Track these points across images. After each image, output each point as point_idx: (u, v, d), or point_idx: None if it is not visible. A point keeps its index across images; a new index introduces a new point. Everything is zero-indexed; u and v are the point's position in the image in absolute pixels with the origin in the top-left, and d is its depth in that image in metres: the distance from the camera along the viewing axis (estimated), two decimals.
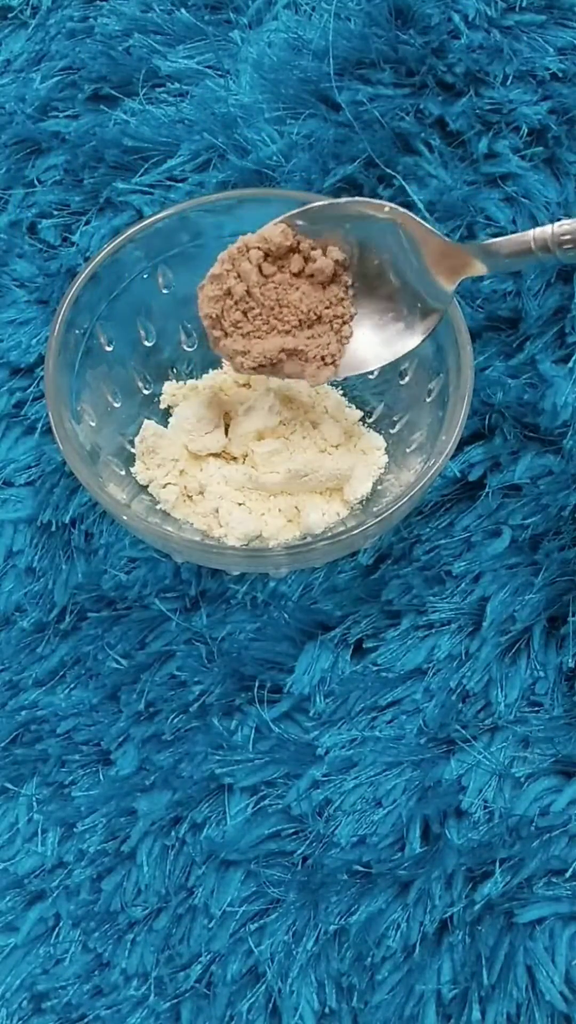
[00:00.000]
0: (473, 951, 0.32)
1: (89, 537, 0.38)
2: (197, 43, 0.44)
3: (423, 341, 0.33)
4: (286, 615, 0.36)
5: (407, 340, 0.34)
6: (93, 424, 0.35)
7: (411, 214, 0.32)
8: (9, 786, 0.35)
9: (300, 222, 0.33)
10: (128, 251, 0.36)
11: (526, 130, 0.41)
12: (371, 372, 0.37)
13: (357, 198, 0.35)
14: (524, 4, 0.42)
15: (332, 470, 0.35)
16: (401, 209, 0.33)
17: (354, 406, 0.38)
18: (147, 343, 0.38)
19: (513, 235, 0.30)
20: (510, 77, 0.42)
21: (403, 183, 0.41)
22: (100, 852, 0.34)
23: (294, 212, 0.33)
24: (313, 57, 0.43)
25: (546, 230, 0.29)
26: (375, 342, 0.34)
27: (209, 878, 0.33)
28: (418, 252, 0.32)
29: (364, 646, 0.36)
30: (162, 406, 0.38)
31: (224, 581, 0.37)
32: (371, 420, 0.38)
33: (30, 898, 0.34)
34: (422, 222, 0.32)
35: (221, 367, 0.39)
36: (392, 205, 0.33)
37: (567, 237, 0.29)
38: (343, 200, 0.34)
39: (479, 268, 0.31)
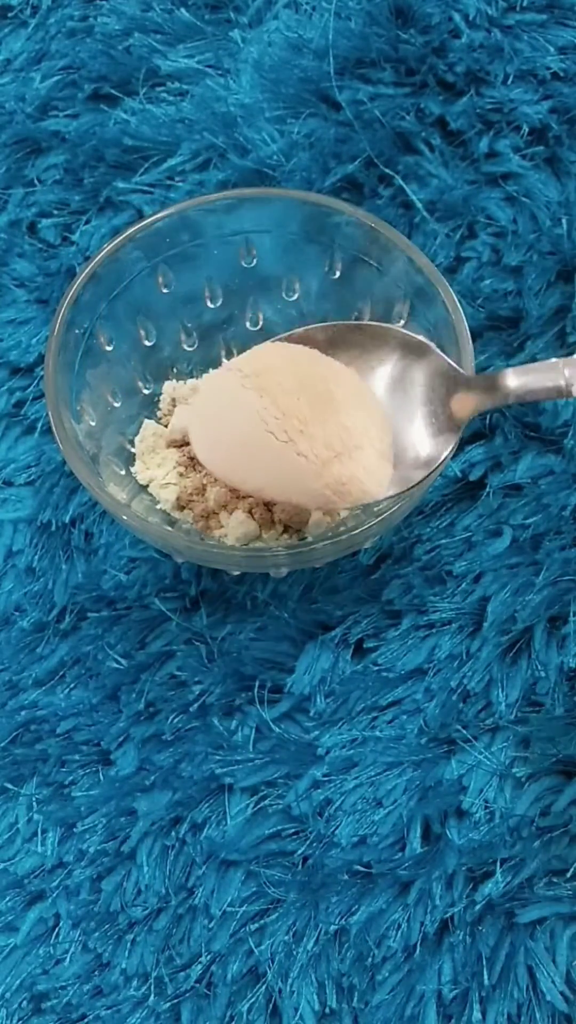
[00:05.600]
0: (474, 951, 0.32)
1: (89, 537, 0.38)
2: (197, 42, 0.44)
3: (437, 470, 0.31)
4: (286, 615, 0.36)
5: (423, 468, 0.31)
6: (93, 424, 0.35)
7: (438, 351, 0.31)
8: (9, 786, 0.35)
9: (320, 336, 0.32)
10: (128, 251, 0.36)
11: (527, 129, 0.41)
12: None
13: (387, 325, 0.33)
14: (525, 3, 0.42)
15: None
16: (430, 344, 0.31)
17: None
18: (147, 343, 0.38)
19: (539, 371, 0.29)
20: (511, 76, 0.42)
21: (403, 183, 0.41)
22: (100, 852, 0.34)
23: (316, 327, 0.32)
24: (313, 56, 0.43)
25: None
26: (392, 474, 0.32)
27: (209, 878, 0.33)
28: (441, 383, 0.31)
29: (364, 646, 0.36)
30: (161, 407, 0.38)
31: (224, 581, 0.37)
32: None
33: (30, 898, 0.34)
34: (449, 361, 0.31)
35: (221, 366, 0.39)
36: (422, 340, 0.31)
37: None
38: (376, 324, 0.32)
39: (494, 402, 0.30)
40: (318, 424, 0.29)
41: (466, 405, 0.31)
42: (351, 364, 0.32)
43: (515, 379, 0.30)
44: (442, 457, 0.31)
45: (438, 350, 0.32)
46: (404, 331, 0.33)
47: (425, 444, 0.31)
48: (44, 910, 0.34)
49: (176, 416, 0.37)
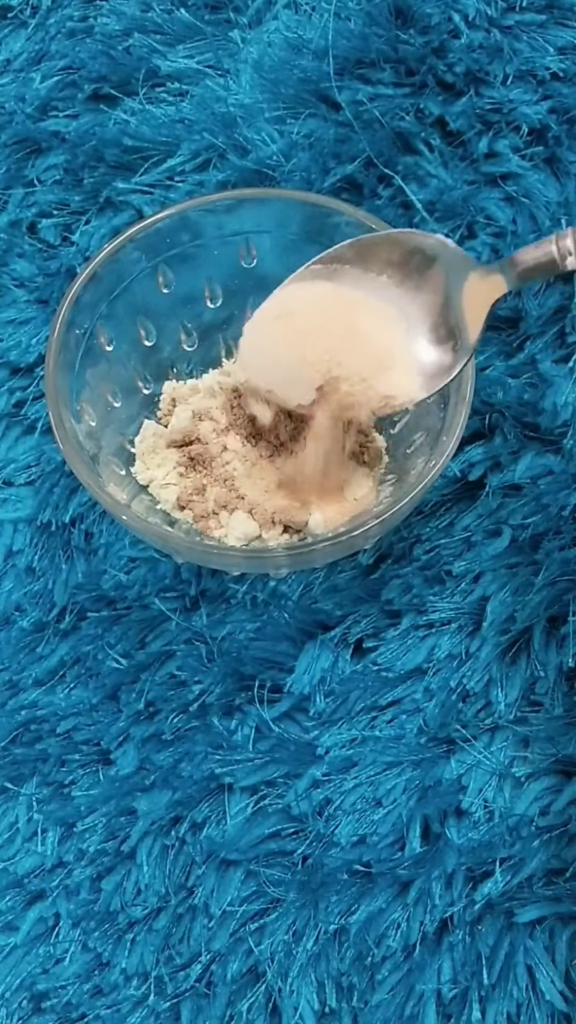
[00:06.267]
0: (473, 951, 0.32)
1: (89, 537, 0.38)
2: (197, 43, 0.44)
3: (456, 376, 0.33)
4: (286, 615, 0.36)
5: (444, 376, 0.33)
6: (93, 424, 0.35)
7: (452, 243, 0.32)
8: (9, 786, 0.35)
9: (349, 253, 0.33)
10: (128, 251, 0.36)
11: (526, 130, 0.41)
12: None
13: (405, 230, 0.35)
14: (524, 4, 0.42)
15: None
16: (444, 239, 0.33)
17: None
18: (147, 343, 0.38)
19: (537, 247, 0.30)
20: (510, 77, 0.42)
21: (403, 183, 0.41)
22: (100, 852, 0.34)
23: (343, 244, 0.34)
24: (313, 57, 0.43)
25: (566, 241, 0.29)
26: (418, 378, 0.33)
27: (209, 878, 0.33)
28: (458, 281, 0.32)
29: (364, 646, 0.36)
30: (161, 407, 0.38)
31: (224, 581, 0.37)
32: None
33: (30, 898, 0.34)
34: (462, 251, 0.32)
35: (221, 366, 0.39)
36: (438, 236, 0.33)
37: None
38: (392, 232, 0.34)
39: (506, 285, 0.31)
40: (347, 356, 0.33)
41: (479, 295, 0.32)
42: (382, 274, 0.34)
43: (516, 260, 0.30)
44: (471, 348, 0.32)
45: (452, 243, 0.33)
46: (421, 233, 0.33)
47: (446, 347, 0.33)
48: (44, 910, 0.34)
49: (176, 416, 0.37)
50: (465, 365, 0.32)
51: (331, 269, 0.34)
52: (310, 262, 0.34)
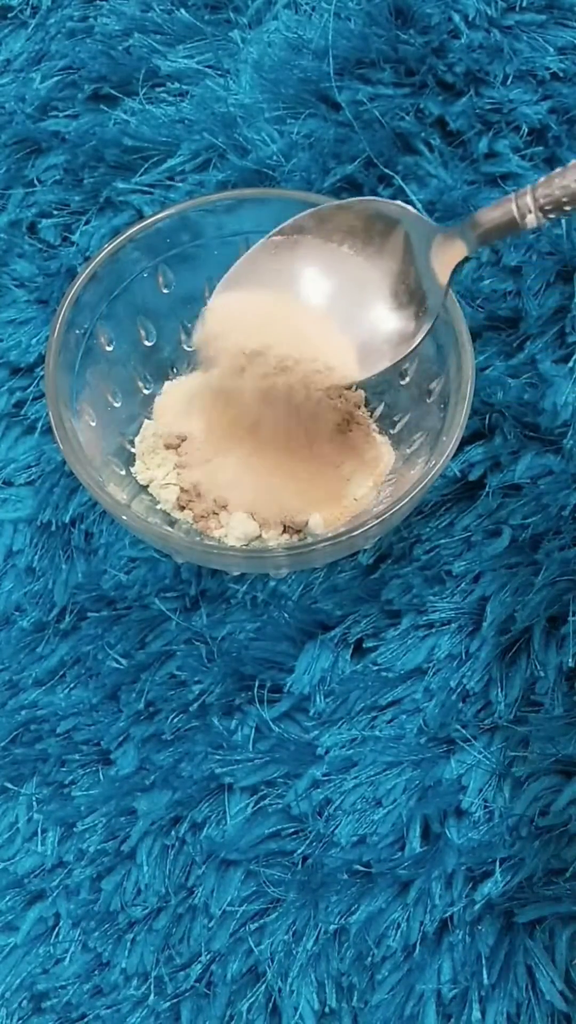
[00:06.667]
0: (473, 951, 0.32)
1: (89, 537, 0.38)
2: (197, 43, 0.44)
3: (421, 343, 0.33)
4: (286, 615, 0.36)
5: (408, 343, 0.33)
6: (93, 424, 0.35)
7: (411, 208, 0.32)
8: (9, 786, 0.35)
9: (310, 223, 0.33)
10: (128, 251, 0.36)
11: (526, 130, 0.41)
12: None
13: (366, 197, 0.35)
14: (524, 4, 0.42)
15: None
16: (404, 205, 0.33)
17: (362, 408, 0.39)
18: (147, 343, 0.38)
19: (496, 207, 0.29)
20: (510, 77, 0.42)
21: (403, 183, 0.41)
22: (100, 852, 0.34)
23: (304, 214, 0.33)
24: (313, 57, 0.43)
25: (525, 199, 0.28)
26: (382, 345, 0.34)
27: (209, 878, 0.33)
28: (423, 246, 0.32)
29: (364, 646, 0.36)
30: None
31: (224, 581, 0.37)
32: (372, 420, 0.38)
33: (30, 898, 0.34)
34: (423, 216, 0.32)
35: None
36: (398, 203, 0.33)
37: (548, 203, 0.28)
38: (353, 200, 0.34)
39: (467, 249, 0.31)
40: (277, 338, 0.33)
41: (442, 259, 0.31)
42: (343, 243, 0.33)
43: (477, 221, 0.30)
44: (436, 311, 0.32)
45: (413, 209, 0.32)
46: (381, 200, 0.33)
47: (409, 313, 0.33)
48: (44, 910, 0.34)
49: (163, 419, 0.38)
50: (430, 331, 0.32)
51: (292, 240, 0.34)
52: (271, 233, 0.34)
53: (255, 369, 0.33)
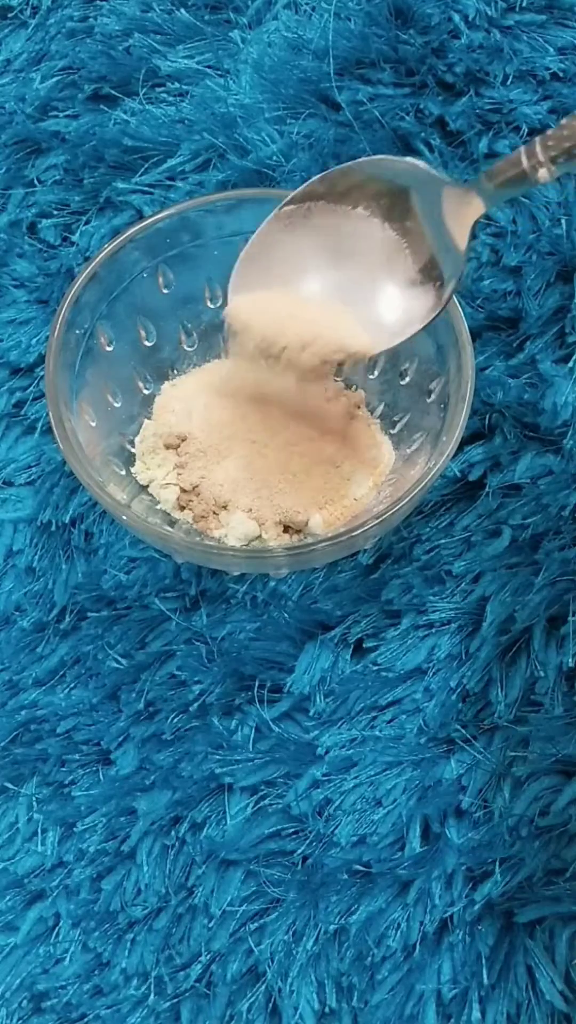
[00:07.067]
0: (473, 951, 0.32)
1: (89, 537, 0.38)
2: (197, 43, 0.44)
3: (442, 311, 0.32)
4: (286, 615, 0.36)
5: (429, 312, 0.32)
6: (93, 424, 0.35)
7: (422, 164, 0.31)
8: (9, 786, 0.35)
9: (321, 188, 0.32)
10: (128, 251, 0.36)
11: (526, 130, 0.41)
12: (373, 371, 0.37)
13: (374, 156, 0.33)
14: (524, 4, 0.42)
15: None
16: (415, 161, 0.31)
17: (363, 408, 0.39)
18: (147, 343, 0.38)
19: (508, 160, 0.28)
20: (510, 77, 0.42)
21: None
22: (100, 852, 0.34)
23: (314, 180, 0.32)
24: (313, 57, 0.43)
25: (535, 148, 0.27)
26: (401, 314, 0.32)
27: (209, 878, 0.33)
28: (435, 205, 0.31)
29: (364, 646, 0.36)
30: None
31: (224, 581, 0.37)
32: (374, 419, 0.38)
33: (30, 898, 0.34)
34: (434, 172, 0.31)
35: (220, 357, 0.40)
36: (408, 160, 0.31)
37: (558, 152, 0.27)
38: (361, 160, 0.32)
39: (484, 205, 0.30)
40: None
41: (459, 219, 0.30)
42: (357, 205, 0.32)
43: (492, 173, 0.29)
44: (458, 273, 0.31)
45: (424, 164, 0.31)
46: (389, 158, 0.32)
47: (427, 279, 0.32)
48: (44, 910, 0.34)
49: (162, 418, 0.38)
50: (455, 289, 0.31)
51: (304, 208, 0.33)
52: (282, 203, 0.33)
53: (275, 351, 0.33)
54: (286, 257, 0.33)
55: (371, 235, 0.33)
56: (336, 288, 0.33)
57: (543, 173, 0.28)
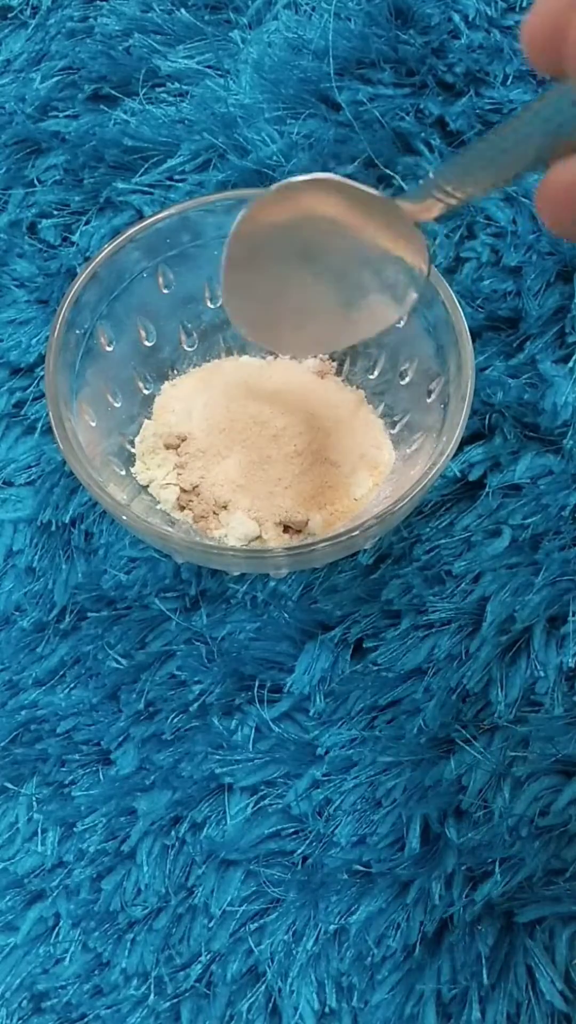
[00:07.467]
0: (473, 951, 0.32)
1: (89, 537, 0.38)
2: (197, 43, 0.44)
3: (412, 305, 0.30)
4: (286, 615, 0.36)
5: (397, 309, 0.30)
6: (93, 424, 0.35)
7: (343, 180, 0.28)
8: (9, 786, 0.35)
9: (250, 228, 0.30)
10: (128, 251, 0.36)
11: None
12: (373, 371, 0.37)
13: (285, 181, 0.29)
14: (524, 4, 0.42)
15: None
16: (332, 177, 0.28)
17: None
18: (147, 343, 0.38)
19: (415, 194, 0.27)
20: (510, 77, 0.42)
21: (403, 183, 0.41)
22: (100, 852, 0.34)
23: (242, 217, 0.30)
24: (313, 57, 0.43)
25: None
26: (364, 314, 0.31)
27: (209, 878, 0.33)
28: (387, 215, 0.28)
29: (364, 646, 0.36)
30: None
31: (224, 581, 0.37)
32: (375, 416, 0.38)
33: (30, 898, 0.34)
34: (354, 184, 0.28)
35: (220, 357, 0.39)
36: (325, 175, 0.28)
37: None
38: (275, 186, 0.29)
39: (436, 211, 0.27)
40: None
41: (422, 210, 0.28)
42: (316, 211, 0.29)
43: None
44: (428, 260, 0.29)
45: (334, 179, 0.28)
46: (299, 179, 0.28)
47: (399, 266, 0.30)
48: (44, 910, 0.34)
49: (162, 418, 0.38)
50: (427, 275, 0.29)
51: (279, 201, 0.29)
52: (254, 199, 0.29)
53: None
54: (273, 242, 0.30)
55: (339, 236, 0.30)
56: (314, 280, 0.31)
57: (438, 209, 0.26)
